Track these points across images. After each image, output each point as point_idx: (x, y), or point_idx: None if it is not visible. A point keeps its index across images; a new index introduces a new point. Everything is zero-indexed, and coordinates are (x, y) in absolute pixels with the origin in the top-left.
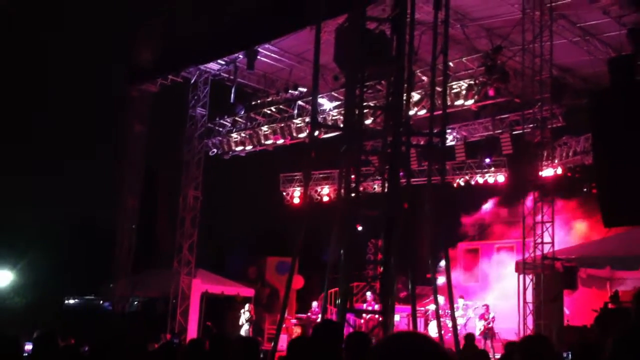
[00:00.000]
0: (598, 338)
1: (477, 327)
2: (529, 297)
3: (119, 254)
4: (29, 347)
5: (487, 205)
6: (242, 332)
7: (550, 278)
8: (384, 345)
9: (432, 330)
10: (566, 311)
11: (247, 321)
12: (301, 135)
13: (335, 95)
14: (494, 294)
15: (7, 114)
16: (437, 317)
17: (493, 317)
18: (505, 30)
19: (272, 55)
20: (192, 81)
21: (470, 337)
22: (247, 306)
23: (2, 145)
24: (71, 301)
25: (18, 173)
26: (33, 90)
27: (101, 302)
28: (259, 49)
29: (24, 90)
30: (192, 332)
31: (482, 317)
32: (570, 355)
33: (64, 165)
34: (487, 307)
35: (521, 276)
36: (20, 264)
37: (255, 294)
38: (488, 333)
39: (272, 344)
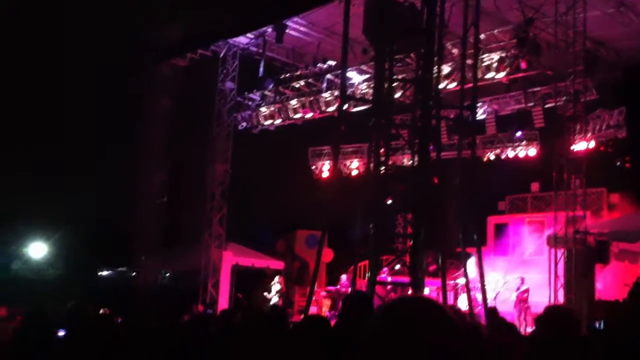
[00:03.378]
0: (631, 311)
1: (511, 299)
2: (560, 272)
3: (150, 228)
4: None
5: (518, 180)
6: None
7: (582, 252)
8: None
9: (462, 304)
10: (597, 285)
11: (277, 293)
12: (330, 109)
13: (365, 68)
14: (524, 268)
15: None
16: (467, 290)
17: (527, 289)
18: (537, 1)
19: (301, 28)
20: (221, 55)
21: (492, 312)
22: (277, 278)
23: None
24: (104, 273)
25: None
26: (57, 63)
27: (133, 274)
28: (288, 23)
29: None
30: (223, 303)
31: (517, 289)
32: (602, 325)
33: (104, 148)
34: (522, 279)
35: (552, 250)
36: (54, 236)
37: (285, 267)
38: (522, 306)
39: (302, 316)
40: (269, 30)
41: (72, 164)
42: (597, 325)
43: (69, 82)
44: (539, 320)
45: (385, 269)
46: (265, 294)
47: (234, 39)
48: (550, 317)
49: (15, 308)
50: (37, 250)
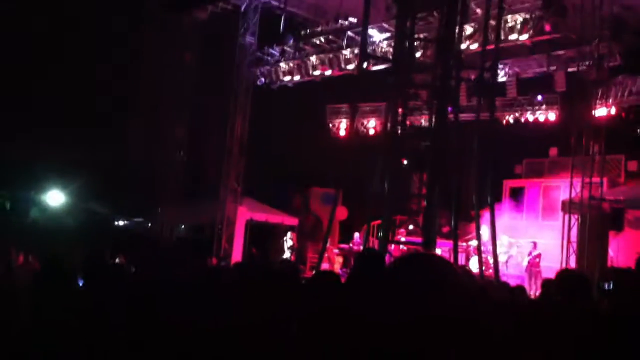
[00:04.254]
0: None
1: (523, 263)
2: (573, 237)
3: (167, 181)
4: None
5: (536, 144)
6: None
7: (596, 218)
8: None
9: (473, 266)
10: (610, 253)
11: (289, 249)
12: (350, 67)
13: (386, 26)
14: (539, 232)
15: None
16: (479, 252)
17: (538, 254)
18: None
19: None
20: (242, 9)
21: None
22: (289, 234)
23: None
24: (121, 223)
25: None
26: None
27: (149, 224)
28: None
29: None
30: (237, 257)
31: (529, 254)
32: (611, 285)
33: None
34: (534, 244)
35: (567, 215)
36: (72, 185)
37: (300, 223)
38: (532, 271)
39: (314, 272)
40: None
41: (90, 116)
42: (606, 286)
43: (85, 32)
44: (549, 283)
45: (402, 230)
46: (279, 248)
47: None
48: (563, 280)
49: (33, 255)
50: (55, 198)
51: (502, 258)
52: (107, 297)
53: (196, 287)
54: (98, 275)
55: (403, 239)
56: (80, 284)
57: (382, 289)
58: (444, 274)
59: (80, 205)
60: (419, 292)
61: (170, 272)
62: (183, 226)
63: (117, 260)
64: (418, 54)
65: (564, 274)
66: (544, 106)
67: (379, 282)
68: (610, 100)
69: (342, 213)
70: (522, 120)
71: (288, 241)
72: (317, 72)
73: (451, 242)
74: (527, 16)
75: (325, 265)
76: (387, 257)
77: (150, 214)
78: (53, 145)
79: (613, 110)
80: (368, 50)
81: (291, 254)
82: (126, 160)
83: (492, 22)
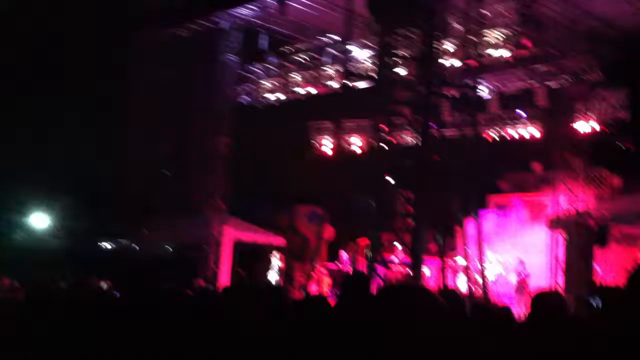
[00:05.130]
0: (628, 295)
1: (512, 282)
2: (560, 254)
3: (152, 200)
4: None
5: (520, 159)
6: (272, 281)
7: (582, 235)
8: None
9: (461, 284)
10: (598, 269)
11: (276, 270)
12: (333, 84)
13: (368, 43)
14: (524, 249)
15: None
16: (467, 271)
17: (527, 274)
18: None
19: (304, 1)
20: (224, 27)
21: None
22: (277, 254)
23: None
24: (105, 244)
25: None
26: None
27: (134, 246)
28: None
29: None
30: (224, 278)
31: (518, 273)
32: (599, 301)
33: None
34: (523, 263)
35: (552, 232)
36: (56, 206)
37: (287, 243)
38: (522, 289)
39: (302, 292)
40: (272, 1)
41: (74, 133)
42: (594, 303)
43: (70, 46)
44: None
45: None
46: (266, 269)
47: (237, 10)
48: (538, 301)
49: (19, 282)
50: (39, 220)
51: (490, 277)
52: (92, 328)
53: (182, 313)
54: (83, 305)
55: (396, 259)
56: (65, 314)
57: (363, 324)
58: (425, 310)
59: (65, 227)
60: (397, 329)
61: (155, 297)
62: (168, 247)
63: (102, 285)
64: (400, 71)
65: (539, 296)
66: (526, 121)
67: (362, 315)
68: (592, 115)
69: (329, 231)
70: (506, 135)
71: (275, 261)
72: (300, 90)
73: (438, 260)
74: (507, 31)
75: (313, 286)
76: (376, 279)
77: (135, 234)
78: (36, 165)
79: (595, 125)
80: (350, 68)
81: (279, 275)
82: (111, 178)
83: (473, 38)
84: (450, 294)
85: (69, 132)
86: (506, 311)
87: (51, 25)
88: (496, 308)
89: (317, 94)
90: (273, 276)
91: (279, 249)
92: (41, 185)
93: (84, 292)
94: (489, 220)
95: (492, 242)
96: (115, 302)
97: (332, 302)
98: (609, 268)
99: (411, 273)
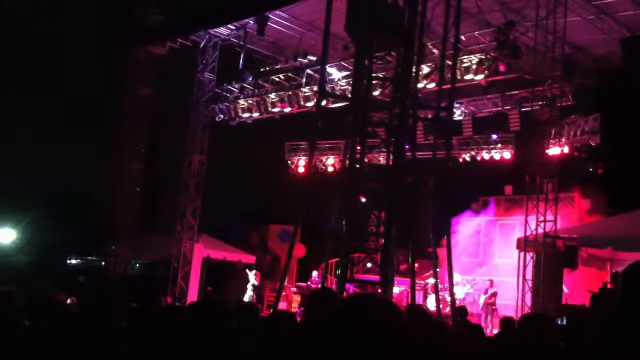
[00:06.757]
0: (590, 317)
1: (479, 301)
2: (529, 275)
3: (122, 216)
4: None
5: (492, 181)
6: (246, 298)
7: (551, 256)
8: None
9: (431, 304)
10: (565, 290)
11: (251, 287)
12: (308, 104)
13: (345, 64)
14: (494, 270)
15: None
16: (436, 290)
17: (494, 292)
18: (519, 4)
19: (283, 22)
20: (202, 45)
21: (462, 311)
22: (253, 272)
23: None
24: (73, 261)
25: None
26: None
27: (103, 263)
28: (270, 15)
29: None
30: (193, 296)
31: (485, 292)
32: (564, 321)
33: (67, 131)
34: (491, 282)
35: (522, 253)
36: (23, 221)
37: (257, 261)
38: (489, 309)
39: (271, 311)
40: (251, 22)
41: (43, 148)
42: (559, 322)
43: (39, 64)
44: (509, 321)
45: (372, 267)
46: (235, 287)
47: (215, 29)
48: (528, 323)
49: None
50: (6, 235)
51: (459, 296)
52: (52, 339)
53: (148, 329)
54: (42, 316)
55: (367, 278)
56: (25, 325)
57: (327, 333)
58: (385, 317)
59: (33, 242)
60: (359, 336)
61: (119, 314)
62: (138, 264)
63: (68, 300)
64: (376, 93)
65: (527, 317)
66: (499, 145)
67: (326, 324)
68: (563, 139)
69: (300, 250)
70: (478, 158)
71: (251, 279)
72: (276, 110)
73: (409, 280)
74: (483, 57)
75: (282, 305)
76: (345, 296)
77: (104, 251)
78: (4, 179)
79: (566, 149)
80: (327, 88)
81: (253, 292)
82: (81, 194)
83: (449, 62)
84: (416, 309)
85: (39, 148)
86: (478, 327)
87: (27, 40)
88: (469, 323)
89: (292, 113)
90: (248, 293)
91: (249, 266)
92: (8, 200)
93: (43, 305)
94: (460, 240)
95: (462, 262)
96: (76, 316)
97: (299, 319)
98: (575, 289)
99: (381, 292)
